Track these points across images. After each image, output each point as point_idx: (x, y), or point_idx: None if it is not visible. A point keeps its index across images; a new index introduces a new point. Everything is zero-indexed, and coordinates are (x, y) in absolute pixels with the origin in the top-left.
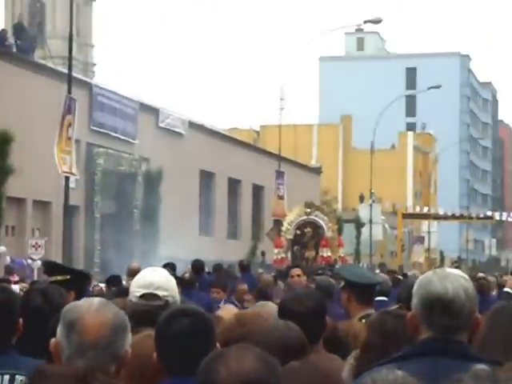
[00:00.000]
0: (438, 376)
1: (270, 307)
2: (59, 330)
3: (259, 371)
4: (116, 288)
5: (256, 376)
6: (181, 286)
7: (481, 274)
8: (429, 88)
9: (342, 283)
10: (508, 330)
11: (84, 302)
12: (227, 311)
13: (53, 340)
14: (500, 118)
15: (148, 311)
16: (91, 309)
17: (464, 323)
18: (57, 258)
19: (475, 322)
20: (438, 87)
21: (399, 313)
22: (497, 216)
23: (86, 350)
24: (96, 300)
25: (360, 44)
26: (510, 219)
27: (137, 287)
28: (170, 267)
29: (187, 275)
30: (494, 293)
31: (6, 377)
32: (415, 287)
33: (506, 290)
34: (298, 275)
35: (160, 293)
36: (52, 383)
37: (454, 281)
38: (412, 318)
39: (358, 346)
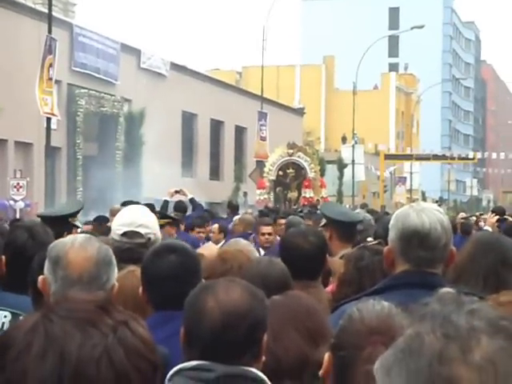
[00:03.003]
0: (411, 306)
1: (243, 244)
2: (46, 267)
3: (246, 302)
4: (100, 227)
5: (243, 307)
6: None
7: (462, 214)
8: (412, 28)
9: (324, 221)
10: (489, 264)
11: (68, 238)
12: (208, 249)
13: (41, 277)
14: (483, 58)
15: (130, 249)
16: (75, 244)
17: (440, 256)
18: (39, 199)
19: (450, 254)
20: (421, 27)
21: (377, 248)
22: (478, 156)
23: (71, 284)
24: (80, 236)
25: None
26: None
27: (118, 225)
28: (150, 208)
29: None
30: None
31: None
32: (392, 221)
33: (485, 228)
34: (270, 234)
35: (142, 230)
36: (73, 305)
37: (431, 214)
38: (388, 253)
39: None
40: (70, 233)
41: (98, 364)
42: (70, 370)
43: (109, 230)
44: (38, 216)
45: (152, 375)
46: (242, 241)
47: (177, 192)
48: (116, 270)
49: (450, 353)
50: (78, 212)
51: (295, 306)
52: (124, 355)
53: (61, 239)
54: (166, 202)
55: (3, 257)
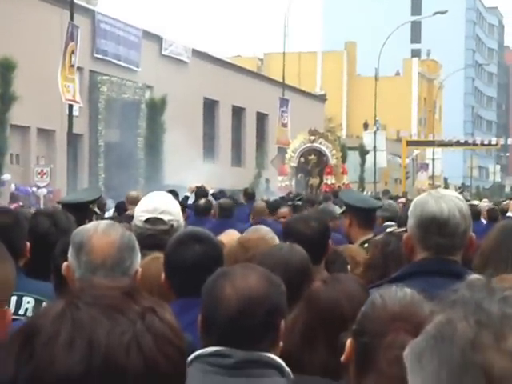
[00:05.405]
0: (432, 293)
1: (265, 231)
2: (70, 253)
3: (263, 288)
4: (119, 215)
5: (260, 293)
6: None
7: (485, 200)
8: (434, 13)
9: (344, 208)
10: None
11: (91, 224)
12: (229, 236)
13: (65, 263)
14: (506, 43)
15: (153, 235)
16: (98, 230)
17: (459, 243)
18: (61, 186)
19: (469, 241)
20: (443, 12)
21: (403, 235)
22: (501, 142)
23: (96, 269)
24: (103, 222)
25: None
26: None
27: (141, 212)
28: (173, 194)
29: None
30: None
31: (14, 298)
32: (411, 208)
33: (508, 214)
34: (285, 217)
35: (165, 217)
36: (98, 292)
37: (449, 201)
38: (408, 240)
39: (354, 267)
40: (90, 220)
41: (128, 351)
42: (98, 357)
43: (126, 216)
44: (59, 203)
45: (180, 362)
46: (264, 227)
47: (198, 188)
48: (139, 255)
49: (484, 340)
50: (98, 199)
51: (335, 304)
52: (153, 342)
53: (84, 225)
54: (186, 198)
55: (28, 243)
